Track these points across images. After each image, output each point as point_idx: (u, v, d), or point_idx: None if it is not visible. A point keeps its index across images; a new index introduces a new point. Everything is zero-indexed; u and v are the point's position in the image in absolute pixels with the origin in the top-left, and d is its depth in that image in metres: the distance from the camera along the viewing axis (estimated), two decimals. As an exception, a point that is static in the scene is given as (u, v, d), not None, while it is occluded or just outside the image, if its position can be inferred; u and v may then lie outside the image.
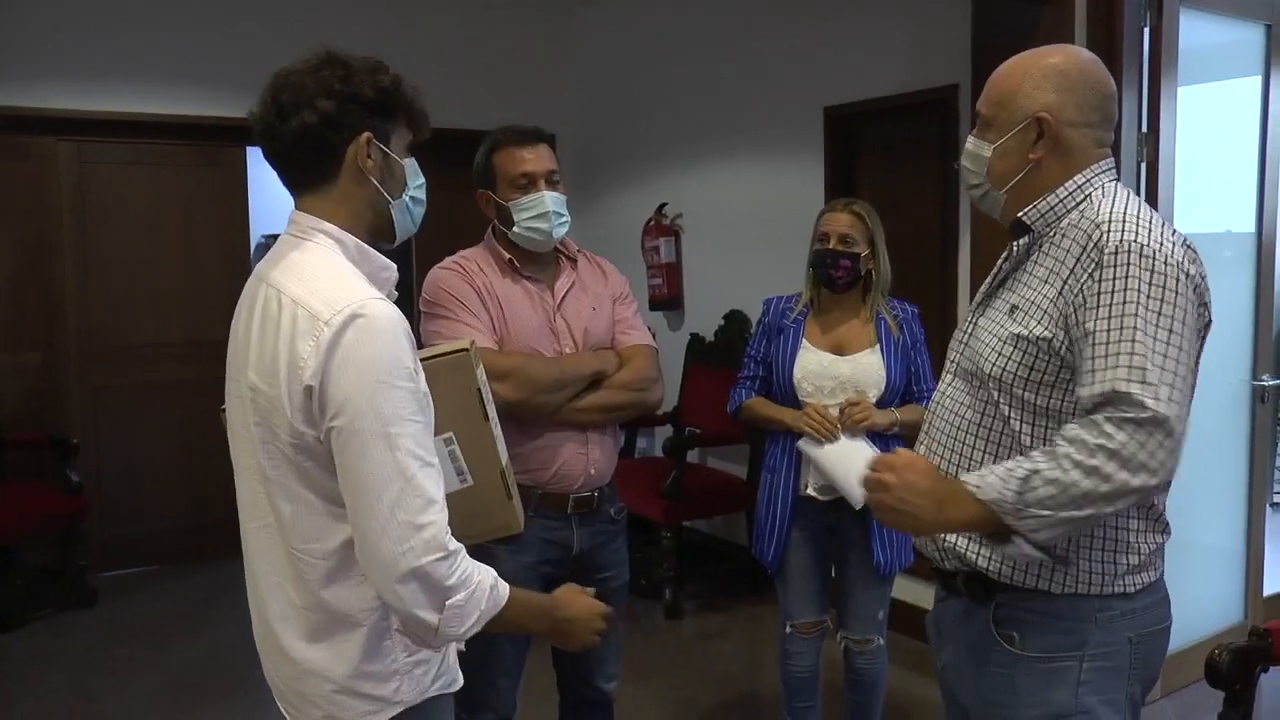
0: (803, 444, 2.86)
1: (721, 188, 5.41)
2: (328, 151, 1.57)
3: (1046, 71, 1.73)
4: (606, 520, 2.59)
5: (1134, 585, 1.69)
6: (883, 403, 2.88)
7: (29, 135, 5.14)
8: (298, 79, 1.56)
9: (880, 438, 2.88)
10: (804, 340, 2.95)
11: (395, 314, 1.51)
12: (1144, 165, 3.32)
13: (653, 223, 5.76)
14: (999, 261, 1.86)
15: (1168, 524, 1.74)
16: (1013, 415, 1.71)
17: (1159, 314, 1.54)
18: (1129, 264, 1.56)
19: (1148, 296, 1.54)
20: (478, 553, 1.70)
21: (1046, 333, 1.65)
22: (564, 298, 2.54)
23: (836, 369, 2.91)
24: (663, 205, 5.72)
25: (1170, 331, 1.54)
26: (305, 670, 1.58)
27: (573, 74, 6.47)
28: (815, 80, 4.74)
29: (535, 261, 2.52)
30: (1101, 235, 1.61)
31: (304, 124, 1.54)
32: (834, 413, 2.83)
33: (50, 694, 4.00)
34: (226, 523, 1.92)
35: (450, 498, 1.77)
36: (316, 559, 1.55)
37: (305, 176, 1.61)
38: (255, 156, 3.84)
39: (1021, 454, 1.65)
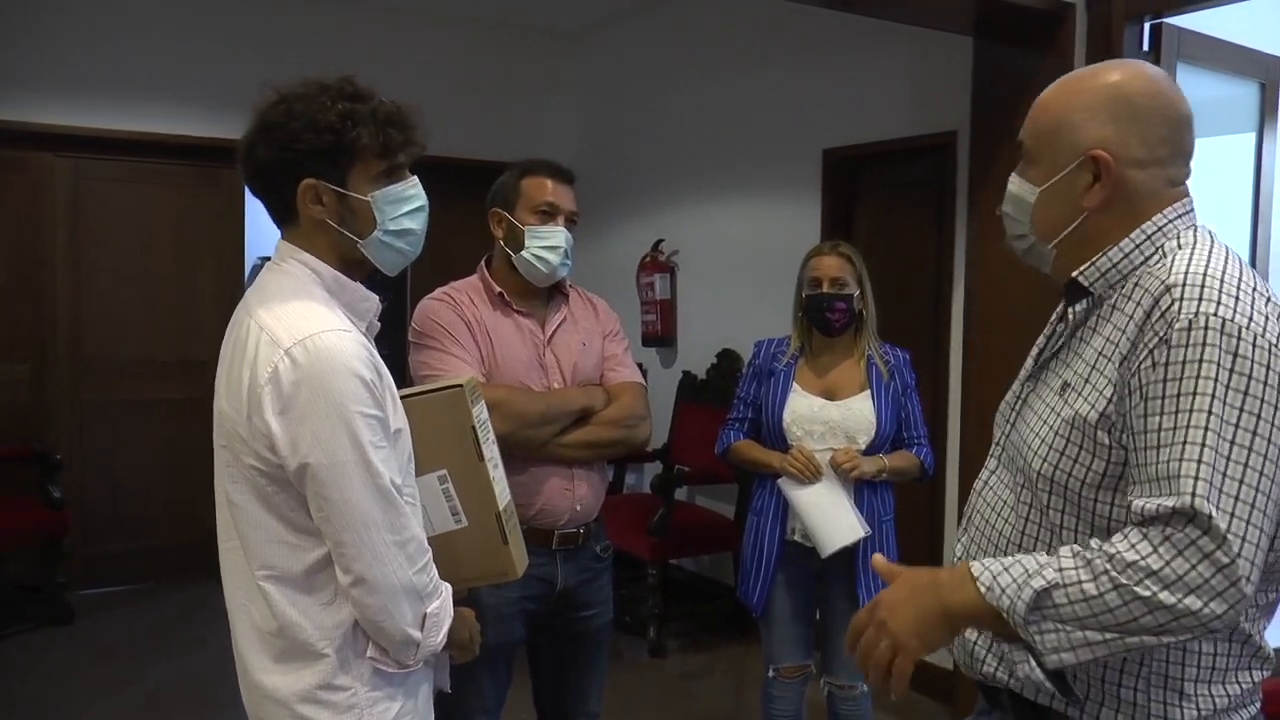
0: (783, 483, 2.86)
1: (718, 226, 5.42)
2: (277, 197, 1.59)
3: (1102, 96, 1.38)
4: (592, 557, 2.57)
5: None
6: (872, 449, 2.88)
7: (26, 150, 5.13)
8: (254, 118, 1.57)
9: (869, 485, 2.87)
10: (795, 384, 2.95)
11: (356, 343, 1.51)
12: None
13: (649, 259, 5.77)
14: (1051, 324, 1.54)
15: (1270, 656, 1.35)
16: (1068, 523, 1.36)
17: (1240, 412, 1.20)
18: (1204, 343, 1.21)
19: (1225, 387, 1.20)
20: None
21: (1104, 415, 1.31)
22: (554, 333, 2.52)
23: (827, 414, 2.90)
24: (659, 241, 5.73)
25: (1254, 435, 1.19)
26: (265, 694, 1.58)
27: (572, 107, 6.49)
28: (815, 122, 4.76)
29: (527, 295, 2.51)
30: (1171, 303, 1.25)
31: (249, 172, 1.58)
32: (823, 458, 2.82)
33: (21, 711, 3.93)
34: (208, 543, 1.91)
35: (443, 538, 1.75)
36: (279, 584, 1.54)
37: (271, 213, 1.63)
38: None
39: None
